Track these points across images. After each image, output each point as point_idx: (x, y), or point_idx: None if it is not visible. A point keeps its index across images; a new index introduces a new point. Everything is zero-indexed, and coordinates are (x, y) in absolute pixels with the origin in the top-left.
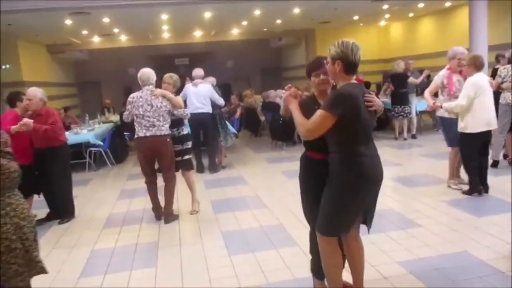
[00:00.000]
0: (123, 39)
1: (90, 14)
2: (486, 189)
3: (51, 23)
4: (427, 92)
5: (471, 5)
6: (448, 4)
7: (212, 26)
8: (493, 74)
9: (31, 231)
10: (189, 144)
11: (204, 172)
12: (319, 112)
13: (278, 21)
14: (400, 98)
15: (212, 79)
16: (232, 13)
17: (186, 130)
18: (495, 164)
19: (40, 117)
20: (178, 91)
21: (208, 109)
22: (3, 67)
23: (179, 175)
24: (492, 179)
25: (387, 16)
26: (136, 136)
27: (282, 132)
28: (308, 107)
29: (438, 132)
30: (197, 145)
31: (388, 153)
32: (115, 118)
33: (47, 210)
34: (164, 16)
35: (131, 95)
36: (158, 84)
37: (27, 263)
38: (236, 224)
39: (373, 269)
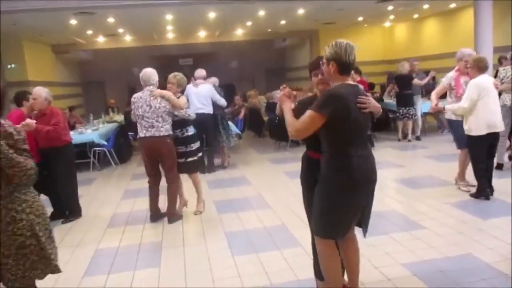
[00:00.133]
0: (128, 39)
1: (94, 14)
2: (491, 191)
3: (56, 23)
4: (433, 94)
5: (476, 6)
6: (453, 5)
7: (217, 27)
8: (496, 76)
9: (46, 228)
10: (194, 146)
11: (205, 172)
12: (308, 112)
13: (283, 22)
14: (404, 99)
15: (214, 80)
16: (237, 13)
17: (191, 131)
18: (500, 166)
19: (45, 117)
20: (184, 91)
21: (208, 109)
22: (9, 66)
23: (184, 176)
24: (497, 181)
25: (391, 17)
26: (138, 136)
27: (279, 131)
28: (307, 107)
29: (442, 134)
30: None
31: (392, 154)
32: (119, 118)
33: (51, 209)
34: (169, 17)
35: (134, 96)
36: (163, 85)
37: (41, 260)
38: (239, 224)
39: (376, 271)
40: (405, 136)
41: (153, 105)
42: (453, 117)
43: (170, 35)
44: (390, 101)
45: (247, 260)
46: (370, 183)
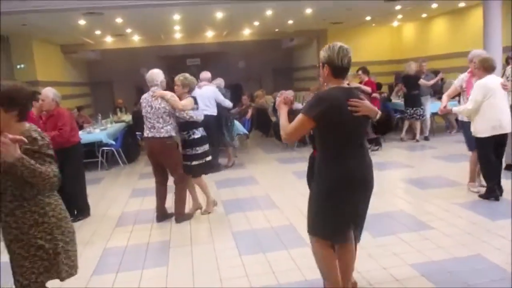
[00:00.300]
0: (136, 39)
1: (103, 15)
2: (500, 192)
3: (64, 24)
4: (445, 96)
5: (485, 5)
6: (461, 4)
7: (224, 27)
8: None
9: (69, 232)
10: (199, 150)
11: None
12: (298, 116)
13: (290, 22)
14: (412, 100)
15: (219, 81)
16: (244, 13)
17: (198, 134)
18: (509, 167)
19: (52, 118)
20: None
21: (212, 111)
22: (18, 66)
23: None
24: (506, 182)
25: (400, 16)
26: (143, 136)
27: None
28: None
29: (451, 134)
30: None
31: (400, 154)
32: (127, 117)
33: None
34: (176, 16)
35: (142, 96)
36: (171, 85)
37: (53, 267)
38: (247, 224)
39: (385, 272)
40: (413, 137)
41: (154, 106)
42: (465, 119)
43: (178, 35)
44: (398, 101)
45: (255, 259)
46: (359, 186)
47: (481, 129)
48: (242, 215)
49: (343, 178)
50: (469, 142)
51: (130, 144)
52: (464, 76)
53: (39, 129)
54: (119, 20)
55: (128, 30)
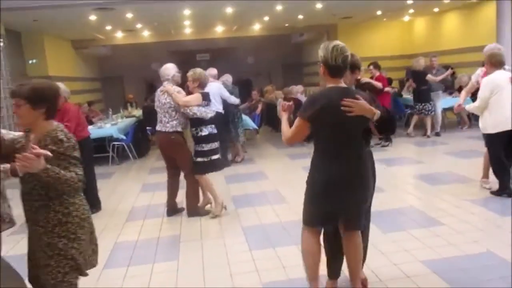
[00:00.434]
0: (146, 34)
1: (113, 10)
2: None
3: (75, 19)
4: (463, 92)
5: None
6: None
7: (234, 22)
8: None
9: (91, 232)
10: (205, 147)
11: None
12: (296, 119)
13: (300, 17)
14: (420, 95)
15: (226, 77)
16: (254, 8)
17: (205, 131)
18: None
19: (59, 113)
20: (204, 87)
21: (217, 108)
22: (30, 62)
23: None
24: None
25: (411, 11)
26: None
27: None
28: None
29: (462, 130)
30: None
31: (411, 150)
32: (138, 112)
33: None
34: (186, 12)
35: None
36: (184, 80)
37: (80, 266)
38: (256, 219)
39: (395, 268)
40: (424, 132)
41: (161, 101)
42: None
43: (188, 30)
44: (408, 96)
45: (265, 254)
46: (347, 185)
47: (488, 125)
48: (252, 210)
49: (330, 175)
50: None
51: (141, 139)
52: (480, 71)
53: (65, 129)
54: (129, 15)
55: (139, 26)
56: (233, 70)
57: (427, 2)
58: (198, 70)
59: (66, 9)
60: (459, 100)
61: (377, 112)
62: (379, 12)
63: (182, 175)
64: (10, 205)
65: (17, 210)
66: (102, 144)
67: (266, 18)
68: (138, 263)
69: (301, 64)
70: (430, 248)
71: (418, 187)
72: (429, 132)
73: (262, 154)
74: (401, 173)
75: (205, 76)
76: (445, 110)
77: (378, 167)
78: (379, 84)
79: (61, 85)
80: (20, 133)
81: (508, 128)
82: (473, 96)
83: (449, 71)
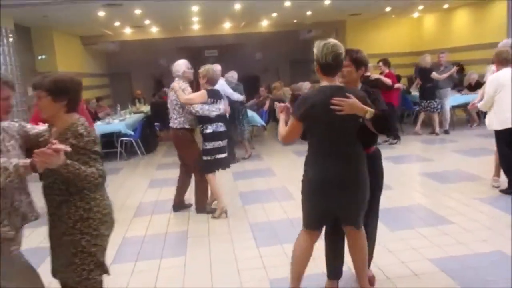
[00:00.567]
0: (154, 30)
1: (122, 6)
2: None
3: (84, 15)
4: (481, 90)
5: None
6: None
7: (242, 18)
8: None
9: (112, 228)
10: (208, 145)
11: None
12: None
13: (308, 13)
14: (426, 92)
15: (231, 74)
16: (262, 4)
17: (210, 129)
18: None
19: None
20: (214, 84)
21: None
22: (39, 57)
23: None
24: None
25: (420, 7)
26: None
27: None
28: None
29: (471, 128)
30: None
31: (419, 148)
32: (146, 108)
33: None
34: (195, 8)
35: None
36: (196, 77)
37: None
38: (264, 215)
39: (403, 266)
40: (432, 130)
41: (170, 97)
42: None
43: (196, 27)
44: (416, 93)
45: (272, 251)
46: (337, 186)
47: (493, 122)
48: (259, 206)
49: (320, 175)
50: None
51: (149, 135)
52: (494, 68)
53: (86, 123)
54: (138, 11)
55: (147, 22)
56: (241, 67)
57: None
58: (207, 66)
59: (75, 5)
60: (477, 97)
61: (369, 111)
62: (388, 9)
63: None
64: (33, 200)
65: (40, 203)
66: (110, 139)
67: (274, 15)
68: (146, 258)
69: (309, 61)
70: (438, 247)
71: (426, 185)
72: (437, 130)
73: (269, 150)
74: (409, 171)
75: (213, 72)
76: (454, 107)
77: (386, 164)
78: (388, 81)
79: None
80: (45, 127)
81: (507, 126)
82: (475, 93)
83: (454, 69)
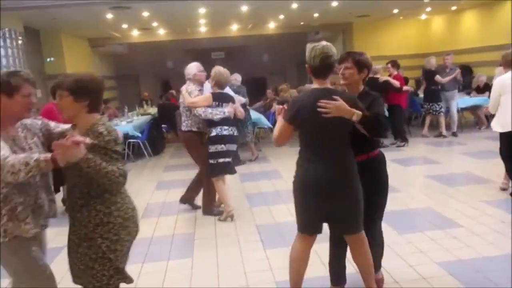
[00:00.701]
0: (161, 32)
1: (130, 8)
2: None
3: (93, 17)
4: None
5: None
6: None
7: (249, 20)
8: None
9: (135, 232)
10: (211, 149)
11: None
12: None
13: (316, 15)
14: (430, 95)
15: (235, 76)
16: (269, 6)
17: (214, 132)
18: None
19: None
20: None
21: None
22: (48, 60)
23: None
24: None
25: (428, 9)
26: None
27: None
28: None
29: (480, 130)
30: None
31: (427, 150)
32: (153, 110)
33: None
34: (202, 10)
35: None
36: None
37: (124, 268)
38: (270, 217)
39: (411, 269)
40: (439, 133)
41: (180, 100)
42: None
43: (203, 29)
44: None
45: (279, 253)
46: (325, 189)
47: (498, 124)
48: (266, 208)
49: (306, 179)
50: None
51: (156, 137)
52: (502, 70)
53: (108, 123)
54: (145, 13)
55: (154, 24)
56: (248, 69)
57: (444, 2)
58: (216, 68)
59: (83, 8)
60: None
61: (356, 113)
62: (395, 11)
63: None
64: (54, 199)
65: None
66: None
67: (282, 17)
68: (153, 260)
69: None
70: (447, 250)
71: (434, 187)
72: (443, 132)
73: (276, 152)
74: (417, 174)
75: (220, 75)
76: (462, 110)
77: (394, 167)
78: (396, 83)
79: None
80: (68, 126)
81: (508, 129)
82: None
83: (457, 72)
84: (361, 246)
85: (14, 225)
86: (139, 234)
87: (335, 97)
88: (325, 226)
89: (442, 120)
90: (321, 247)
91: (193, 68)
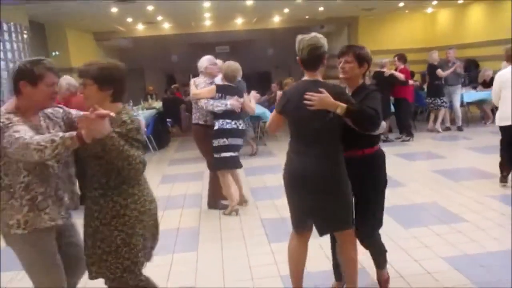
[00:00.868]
0: (166, 26)
1: (134, 2)
2: None
3: (97, 11)
4: None
5: None
6: None
7: (254, 14)
8: None
9: (153, 226)
10: (215, 143)
11: None
12: None
13: (321, 9)
14: (432, 89)
15: None
16: (274, 0)
17: (216, 126)
18: None
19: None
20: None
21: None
22: (53, 54)
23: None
24: None
25: (434, 2)
26: None
27: None
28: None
29: (486, 125)
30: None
31: (433, 145)
32: (158, 104)
33: None
34: (207, 4)
35: None
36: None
37: (143, 259)
38: (275, 211)
39: (416, 264)
40: (445, 128)
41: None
42: None
43: (208, 22)
44: None
45: (284, 247)
46: (305, 182)
47: (498, 118)
48: (271, 202)
49: (291, 172)
50: None
51: (161, 131)
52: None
53: (131, 112)
54: (150, 7)
55: (159, 18)
56: (253, 63)
57: None
58: (226, 62)
59: (88, 2)
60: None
61: (341, 106)
62: (401, 4)
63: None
64: (76, 191)
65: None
66: None
67: (286, 10)
68: (158, 253)
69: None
70: (452, 245)
71: (439, 182)
72: (437, 126)
73: (281, 146)
74: (422, 168)
75: (226, 67)
76: (468, 104)
77: (399, 161)
78: (401, 76)
79: (66, 79)
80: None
81: (508, 123)
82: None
83: (456, 65)
84: (348, 243)
85: (35, 215)
86: None
87: (320, 89)
88: None
89: (441, 114)
90: (326, 240)
91: (205, 61)
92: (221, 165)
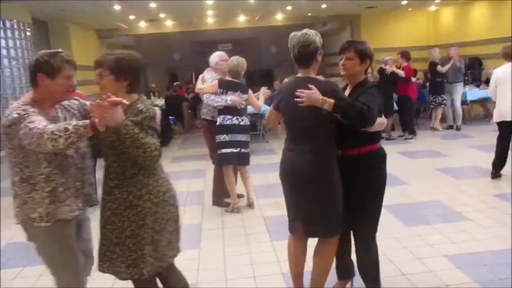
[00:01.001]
0: (169, 24)
1: (137, 0)
2: None
3: (100, 9)
4: None
5: None
6: None
7: (256, 11)
8: None
9: (163, 218)
10: (216, 138)
11: None
12: None
13: (323, 6)
14: (433, 87)
15: None
16: None
17: (218, 121)
18: None
19: None
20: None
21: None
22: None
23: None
24: None
25: (437, 0)
26: None
27: None
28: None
29: (489, 123)
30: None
31: (435, 143)
32: (160, 102)
33: None
34: (209, 1)
35: None
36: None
37: (152, 255)
38: (278, 209)
39: (418, 262)
40: (449, 126)
41: None
42: None
43: (210, 20)
44: None
45: (286, 245)
46: (293, 179)
47: (495, 114)
48: (273, 200)
49: (284, 169)
50: None
51: (163, 128)
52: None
53: (146, 101)
54: (152, 5)
55: (162, 15)
56: (255, 60)
57: None
58: (231, 58)
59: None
60: None
61: (328, 101)
62: (404, 2)
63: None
64: (95, 184)
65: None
66: None
67: (289, 8)
68: None
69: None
70: (455, 243)
71: (442, 180)
72: (434, 124)
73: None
74: (425, 166)
75: (230, 63)
76: (471, 102)
77: (402, 159)
78: (401, 72)
79: None
80: None
81: (503, 119)
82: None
83: (453, 60)
84: (322, 253)
85: (56, 207)
86: None
87: (309, 85)
88: None
89: (439, 112)
90: None
91: (215, 57)
92: (221, 161)
